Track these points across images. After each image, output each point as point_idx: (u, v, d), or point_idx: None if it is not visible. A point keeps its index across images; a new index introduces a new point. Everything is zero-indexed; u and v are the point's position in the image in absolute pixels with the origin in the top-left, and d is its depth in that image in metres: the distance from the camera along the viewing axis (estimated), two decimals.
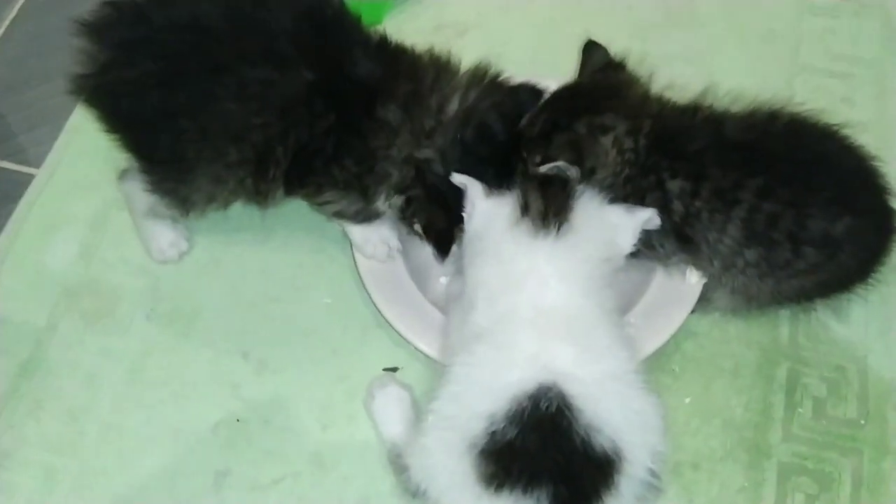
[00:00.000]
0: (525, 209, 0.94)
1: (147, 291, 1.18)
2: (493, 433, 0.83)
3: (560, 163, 0.98)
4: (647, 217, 0.97)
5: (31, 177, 1.29)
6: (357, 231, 1.13)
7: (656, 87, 1.06)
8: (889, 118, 1.36)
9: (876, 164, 1.01)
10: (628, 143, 0.99)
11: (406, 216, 1.06)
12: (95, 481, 1.05)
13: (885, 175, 1.01)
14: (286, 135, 0.98)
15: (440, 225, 1.02)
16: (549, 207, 0.94)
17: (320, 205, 1.09)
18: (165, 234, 1.18)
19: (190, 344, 1.15)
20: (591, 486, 0.83)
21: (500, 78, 1.05)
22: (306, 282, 1.19)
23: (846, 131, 1.01)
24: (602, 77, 1.06)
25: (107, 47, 0.95)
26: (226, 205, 1.07)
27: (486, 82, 1.04)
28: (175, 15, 0.95)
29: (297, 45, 0.95)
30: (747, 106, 1.01)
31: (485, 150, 1.01)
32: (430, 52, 1.05)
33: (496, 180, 0.99)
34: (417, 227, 1.05)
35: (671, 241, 1.02)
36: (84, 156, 1.30)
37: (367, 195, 1.05)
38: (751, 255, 1.00)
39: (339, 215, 1.11)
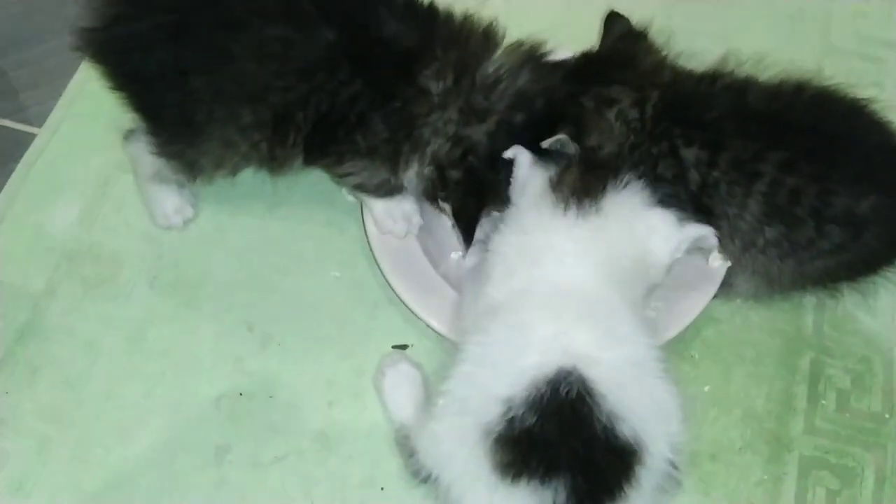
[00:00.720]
0: (557, 183, 0.91)
1: (150, 258, 1.14)
2: (511, 419, 0.79)
3: (561, 136, 0.95)
4: (699, 235, 0.91)
5: (32, 136, 1.24)
6: (379, 205, 1.09)
7: (677, 57, 1.02)
8: None
9: None
10: (633, 114, 0.97)
11: (437, 193, 1.02)
12: (91, 453, 1.02)
13: None
14: (307, 100, 0.93)
15: (471, 213, 0.99)
16: (580, 186, 0.90)
17: (341, 176, 1.05)
18: (171, 200, 1.14)
19: (193, 314, 1.11)
20: (613, 477, 0.79)
21: (548, 56, 1.00)
22: (315, 254, 1.16)
23: (876, 107, 0.97)
24: (618, 46, 1.03)
25: (115, 1, 0.91)
26: (235, 171, 1.02)
27: (535, 62, 0.99)
28: None
29: (316, 2, 0.91)
30: (773, 76, 0.98)
31: (534, 138, 0.97)
32: (468, 17, 0.99)
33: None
34: (446, 206, 1.02)
35: (690, 213, 0.97)
36: (87, 116, 1.25)
37: (395, 165, 1.01)
38: (771, 233, 0.96)
39: (361, 188, 1.06)
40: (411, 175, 1.03)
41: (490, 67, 0.96)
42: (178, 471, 1.01)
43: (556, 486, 0.77)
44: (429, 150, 0.99)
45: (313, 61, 0.92)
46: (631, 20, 1.05)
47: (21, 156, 1.22)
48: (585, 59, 1.03)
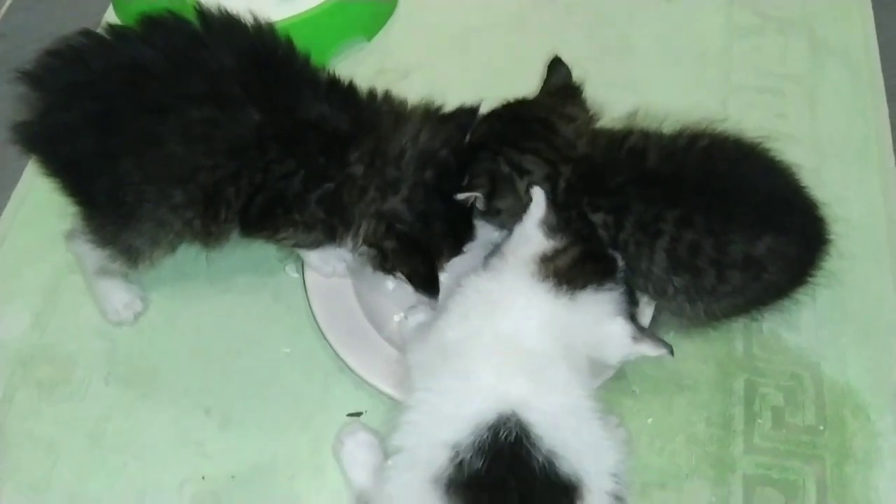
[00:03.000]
0: (548, 259, 0.96)
1: (104, 355, 1.17)
2: (460, 463, 0.84)
3: (478, 194, 1.03)
4: (651, 355, 0.97)
5: None
6: (313, 255, 1.14)
7: (603, 115, 1.09)
8: (821, 128, 1.41)
9: (797, 178, 1.03)
10: (545, 188, 1.02)
11: (385, 268, 1.07)
12: None
13: (809, 188, 1.03)
14: (238, 176, 0.98)
15: (423, 271, 1.04)
16: (566, 272, 0.95)
17: (278, 241, 1.09)
18: (119, 295, 1.17)
19: (150, 404, 1.13)
20: None
21: (443, 111, 1.07)
22: (264, 333, 1.19)
23: (770, 146, 1.03)
24: (546, 102, 1.09)
25: (46, 93, 0.95)
26: (172, 248, 1.06)
27: (432, 120, 1.06)
28: (113, 57, 0.95)
29: (242, 85, 0.96)
30: (673, 128, 1.04)
31: (448, 186, 1.03)
32: (384, 95, 1.06)
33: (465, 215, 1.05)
34: (399, 275, 1.06)
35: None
36: (32, 224, 1.29)
37: (333, 238, 1.07)
38: (678, 281, 1.01)
39: (297, 246, 1.12)
40: (350, 245, 1.08)
41: (397, 142, 1.02)
42: None
43: None
44: (360, 232, 1.05)
45: (241, 141, 0.96)
46: (571, 69, 1.12)
47: None
48: (509, 116, 1.09)
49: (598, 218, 1.01)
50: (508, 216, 1.05)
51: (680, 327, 1.12)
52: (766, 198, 1.00)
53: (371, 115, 1.03)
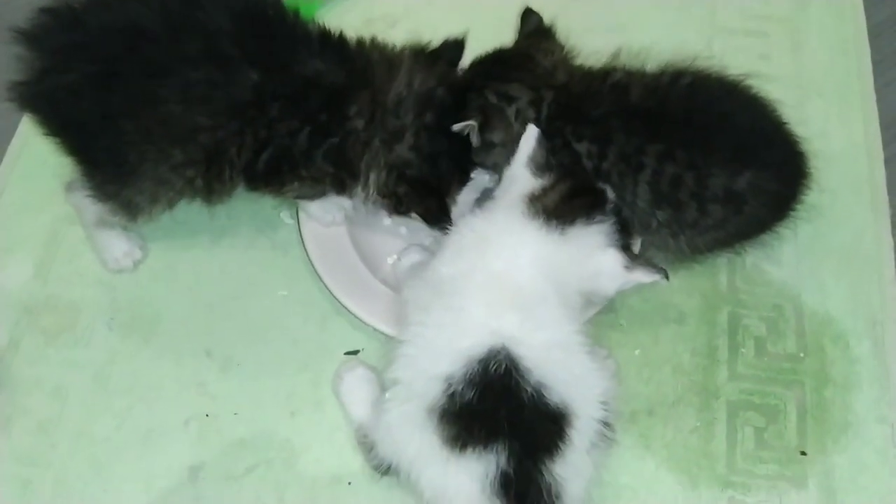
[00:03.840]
0: (537, 197, 0.99)
1: (105, 302, 1.20)
2: (452, 394, 0.88)
3: (472, 122, 1.05)
4: (645, 281, 0.98)
5: None
6: (314, 206, 1.17)
7: (578, 55, 1.12)
8: (804, 67, 1.43)
9: (779, 114, 1.05)
10: (531, 114, 1.05)
11: (399, 211, 1.12)
12: (72, 488, 1.07)
13: (790, 124, 1.05)
14: (241, 134, 1.00)
15: (435, 208, 1.08)
16: (555, 208, 0.98)
17: (282, 194, 1.12)
18: (119, 244, 1.20)
19: (153, 349, 1.17)
20: (547, 438, 0.88)
21: (430, 48, 1.10)
22: (262, 277, 1.22)
23: (752, 83, 1.05)
24: (522, 46, 1.12)
25: (43, 53, 0.96)
26: (171, 205, 1.09)
27: (422, 60, 1.08)
28: (111, 19, 0.96)
29: (238, 45, 0.97)
30: (657, 66, 1.06)
31: (449, 123, 1.06)
32: (372, 42, 1.08)
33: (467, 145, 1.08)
34: (414, 216, 1.11)
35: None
36: (30, 176, 1.31)
37: (343, 190, 1.10)
38: (662, 215, 1.04)
39: (300, 198, 1.15)
40: (361, 195, 1.11)
41: (394, 91, 1.04)
42: (156, 494, 1.07)
43: (496, 450, 0.86)
44: (370, 182, 1.08)
45: (241, 101, 0.98)
46: (542, 15, 1.14)
47: None
48: (490, 57, 1.12)
49: (582, 147, 1.03)
50: (502, 152, 1.07)
51: (665, 262, 1.15)
52: (747, 133, 1.02)
53: (364, 65, 1.05)
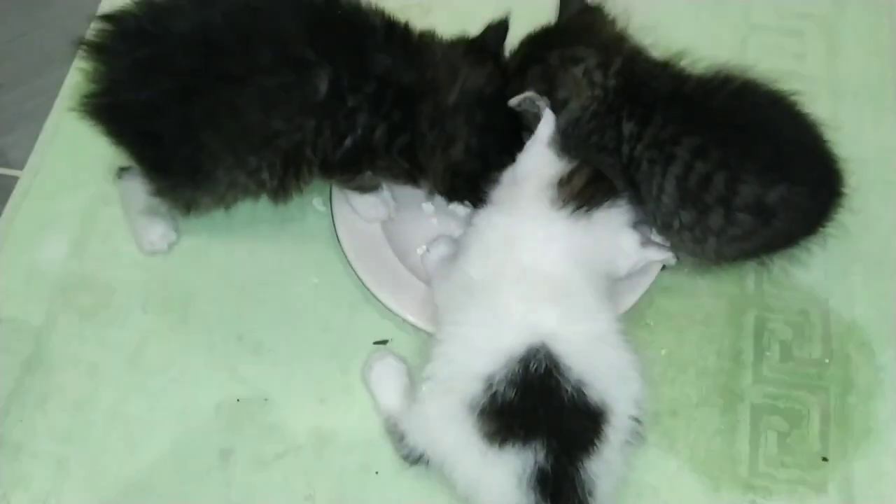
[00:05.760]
0: (564, 182, 1.00)
1: (140, 283, 1.22)
2: (494, 394, 0.90)
3: (531, 93, 1.03)
4: (656, 259, 1.03)
5: (15, 179, 1.31)
6: (360, 200, 1.18)
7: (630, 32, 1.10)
8: (839, 69, 1.42)
9: (822, 131, 1.03)
10: (598, 77, 1.03)
11: (454, 200, 1.16)
12: (106, 467, 1.10)
13: (831, 142, 1.04)
14: (318, 131, 1.00)
15: (484, 195, 1.10)
16: (583, 193, 0.99)
17: (353, 181, 1.13)
18: (156, 228, 1.21)
19: (186, 330, 1.19)
20: (584, 435, 0.90)
21: (477, 39, 1.10)
22: (293, 264, 1.24)
23: (796, 97, 1.04)
24: (577, 18, 1.10)
25: (115, 68, 0.97)
26: (234, 204, 1.10)
27: (473, 57, 1.07)
28: (181, 30, 0.96)
29: (312, 47, 0.97)
30: (710, 69, 1.05)
31: (500, 122, 1.07)
32: (435, 39, 1.08)
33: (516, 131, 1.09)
34: (466, 202, 1.15)
35: (622, 184, 1.06)
36: (65, 155, 1.33)
37: (416, 182, 1.12)
38: (685, 216, 1.02)
39: (358, 188, 1.16)
40: (425, 189, 1.15)
41: (453, 94, 1.05)
42: (187, 475, 1.09)
43: (535, 447, 0.89)
44: (431, 179, 1.11)
45: (317, 99, 0.98)
46: None
47: (7, 199, 1.29)
48: (544, 29, 1.10)
49: (626, 128, 1.01)
50: (576, 107, 1.04)
51: (693, 265, 1.16)
52: (788, 145, 1.01)
53: (429, 64, 1.05)
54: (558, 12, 1.13)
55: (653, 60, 1.07)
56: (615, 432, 0.92)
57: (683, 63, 1.06)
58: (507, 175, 1.07)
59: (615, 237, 1.01)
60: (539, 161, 1.04)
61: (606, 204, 1.00)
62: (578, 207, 0.99)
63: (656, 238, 1.10)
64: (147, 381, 1.15)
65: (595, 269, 0.99)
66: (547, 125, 1.03)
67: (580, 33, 1.07)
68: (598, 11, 1.10)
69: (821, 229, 1.07)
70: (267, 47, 0.96)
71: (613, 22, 1.09)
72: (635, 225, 1.04)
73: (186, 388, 1.15)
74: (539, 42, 1.08)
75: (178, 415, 1.13)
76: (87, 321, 1.19)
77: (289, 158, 1.02)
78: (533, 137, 1.04)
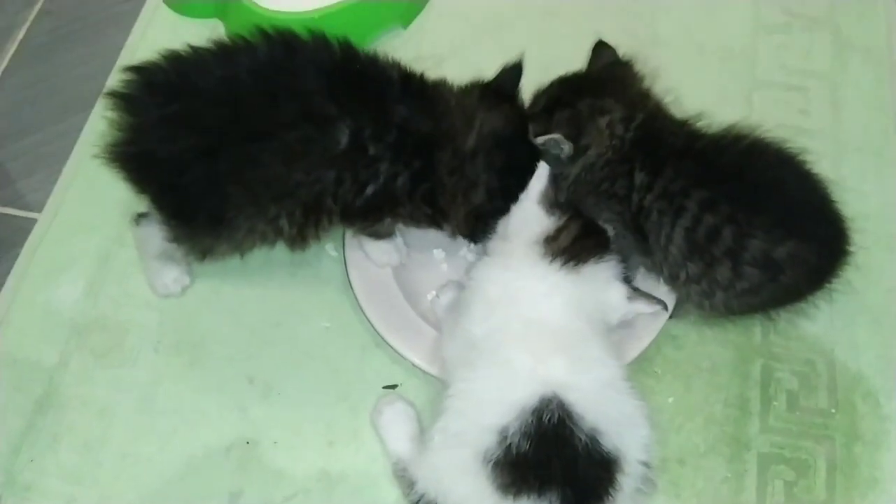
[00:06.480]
0: (552, 238, 1.03)
1: (153, 325, 1.24)
2: (508, 446, 0.90)
3: (556, 135, 1.06)
4: (643, 311, 1.05)
5: (33, 221, 1.34)
6: (374, 246, 1.20)
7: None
8: (842, 124, 1.45)
9: (828, 190, 1.06)
10: (619, 130, 1.06)
11: (474, 240, 1.18)
12: None
13: (837, 201, 1.06)
14: (339, 182, 1.02)
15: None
16: (571, 248, 1.02)
17: (372, 227, 1.15)
18: (170, 271, 1.23)
19: (197, 372, 1.20)
20: (598, 485, 0.91)
21: (493, 83, 1.12)
22: (305, 307, 1.25)
23: (803, 156, 1.06)
24: (609, 69, 1.14)
25: (144, 120, 0.98)
26: (249, 251, 1.11)
27: (489, 102, 1.10)
28: (207, 86, 0.98)
29: (333, 101, 0.99)
30: (722, 128, 1.08)
31: (520, 161, 1.09)
32: (449, 87, 1.10)
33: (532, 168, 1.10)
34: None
35: (629, 236, 1.08)
36: (83, 198, 1.35)
37: (439, 226, 1.14)
38: (693, 269, 1.04)
39: (373, 234, 1.17)
40: (448, 233, 1.16)
41: (471, 140, 1.06)
42: None
43: (550, 498, 0.89)
44: (453, 223, 1.12)
45: (337, 151, 1.00)
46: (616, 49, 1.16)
47: (24, 240, 1.31)
48: (576, 75, 1.14)
49: (639, 178, 1.04)
50: (593, 154, 1.07)
51: (700, 316, 1.18)
52: (796, 203, 1.03)
53: (444, 113, 1.07)
54: (589, 60, 1.17)
55: (671, 118, 1.10)
56: (628, 479, 0.93)
57: (700, 123, 1.09)
58: (501, 227, 1.10)
59: (604, 289, 1.03)
60: (528, 218, 1.07)
61: (594, 259, 1.03)
62: (566, 262, 1.01)
63: (663, 288, 1.12)
64: (157, 423, 1.16)
65: (594, 319, 1.01)
66: (539, 181, 1.06)
67: (611, 85, 1.10)
68: (629, 67, 1.14)
69: (827, 285, 1.09)
70: (290, 104, 0.98)
71: (643, 79, 1.13)
72: (627, 278, 1.07)
73: (197, 429, 1.16)
74: (570, 87, 1.12)
75: (188, 457, 1.14)
76: (100, 362, 1.21)
77: (308, 208, 1.04)
78: (524, 194, 1.08)
